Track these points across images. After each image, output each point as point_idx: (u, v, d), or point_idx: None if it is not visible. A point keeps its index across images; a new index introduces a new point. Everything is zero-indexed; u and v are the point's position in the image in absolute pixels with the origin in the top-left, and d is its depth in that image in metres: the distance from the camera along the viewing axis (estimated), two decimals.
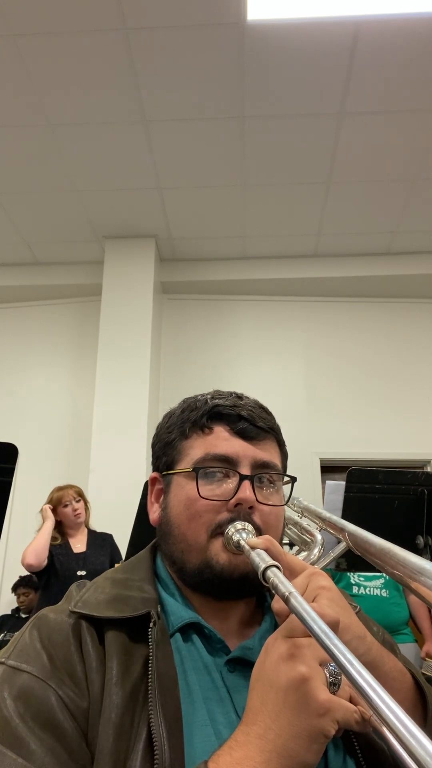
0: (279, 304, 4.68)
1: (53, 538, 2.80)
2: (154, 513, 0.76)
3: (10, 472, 1.26)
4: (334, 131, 3.33)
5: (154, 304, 4.25)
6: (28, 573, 2.93)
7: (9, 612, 3.73)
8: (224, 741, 0.50)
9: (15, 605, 3.69)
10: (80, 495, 2.96)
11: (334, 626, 0.48)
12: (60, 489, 2.95)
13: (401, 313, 4.66)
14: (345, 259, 4.49)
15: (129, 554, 1.69)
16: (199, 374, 4.37)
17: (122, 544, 2.55)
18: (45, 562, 2.67)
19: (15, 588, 3.69)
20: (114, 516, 2.98)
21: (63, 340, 4.62)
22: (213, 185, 3.78)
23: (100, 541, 2.91)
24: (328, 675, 0.49)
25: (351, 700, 0.49)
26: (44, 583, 2.74)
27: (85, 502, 2.97)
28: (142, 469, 3.61)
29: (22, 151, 3.46)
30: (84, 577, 2.56)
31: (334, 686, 0.49)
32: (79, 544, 2.86)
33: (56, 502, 2.88)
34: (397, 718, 0.38)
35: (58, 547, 2.80)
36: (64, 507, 2.87)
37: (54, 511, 2.87)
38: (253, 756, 0.47)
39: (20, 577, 3.67)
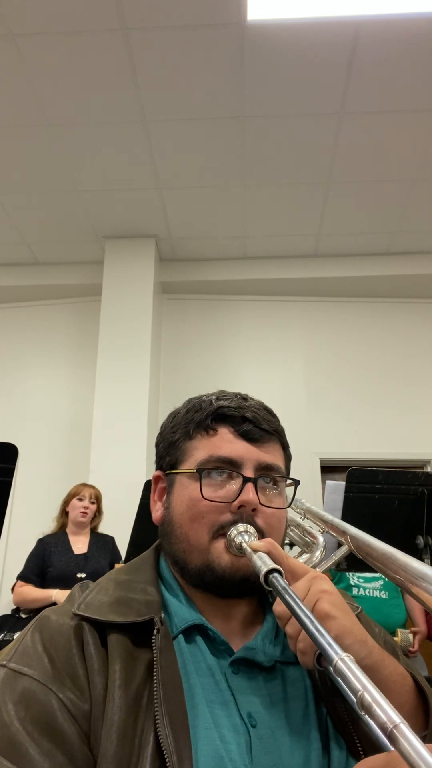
0: (279, 304, 4.68)
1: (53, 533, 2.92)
2: (156, 512, 0.76)
3: (10, 472, 1.26)
4: (334, 131, 3.33)
5: (154, 304, 4.25)
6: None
7: (9, 612, 3.72)
8: (229, 745, 0.50)
9: (15, 605, 3.68)
10: (97, 498, 3.01)
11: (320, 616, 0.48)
12: (82, 485, 3.05)
13: (401, 313, 4.66)
14: (345, 259, 4.49)
15: (129, 554, 1.69)
16: (199, 374, 4.37)
17: (122, 544, 2.55)
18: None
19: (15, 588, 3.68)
20: (114, 515, 2.99)
21: (63, 340, 4.61)
22: (213, 185, 3.78)
23: (102, 543, 2.92)
24: None
25: None
26: (40, 586, 2.78)
27: (99, 508, 3.03)
28: (142, 469, 3.61)
29: (22, 151, 3.46)
30: (83, 579, 2.60)
31: None
32: (80, 544, 2.87)
33: (73, 494, 2.98)
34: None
35: (56, 546, 2.82)
36: (78, 500, 2.94)
37: (67, 503, 2.99)
38: None
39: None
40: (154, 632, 0.61)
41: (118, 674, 0.57)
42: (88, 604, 0.64)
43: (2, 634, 3.41)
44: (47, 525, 3.02)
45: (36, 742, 0.52)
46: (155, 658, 0.59)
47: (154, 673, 0.58)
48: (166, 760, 0.52)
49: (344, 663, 0.43)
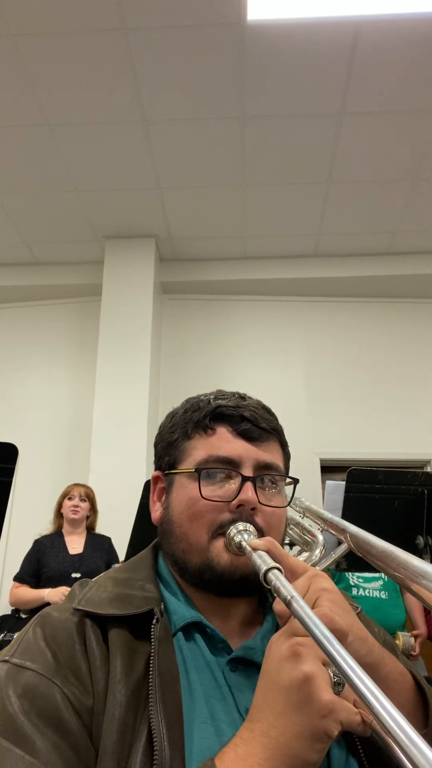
0: (279, 304, 4.68)
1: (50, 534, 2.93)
2: (155, 512, 0.76)
3: (10, 472, 1.26)
4: (334, 131, 3.33)
5: (154, 304, 4.25)
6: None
7: (9, 612, 3.72)
8: (226, 739, 0.50)
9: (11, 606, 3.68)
10: (88, 497, 3.02)
11: (342, 636, 0.48)
12: (73, 485, 3.06)
13: (401, 313, 4.66)
14: (345, 259, 4.49)
15: (129, 554, 1.69)
16: (199, 374, 4.37)
17: (122, 544, 2.56)
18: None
19: None
20: (114, 516, 2.98)
21: (63, 340, 4.61)
22: (213, 185, 3.78)
23: (98, 544, 2.91)
24: (331, 675, 0.49)
25: (354, 703, 0.49)
26: (35, 586, 2.79)
27: (93, 506, 3.02)
28: (142, 469, 3.61)
29: (22, 151, 3.46)
30: (78, 579, 2.60)
31: (338, 686, 0.49)
32: (75, 544, 2.87)
33: (64, 494, 3.01)
34: (398, 726, 0.37)
35: (51, 546, 2.82)
36: (68, 500, 2.96)
37: (60, 505, 3.02)
38: (256, 753, 0.48)
39: None
40: (153, 622, 0.61)
41: (118, 669, 0.57)
42: (88, 599, 0.65)
43: (2, 634, 3.40)
44: (47, 526, 3.02)
45: (42, 733, 0.52)
46: (153, 648, 0.59)
47: (151, 663, 0.58)
48: (155, 748, 0.52)
49: (274, 575, 0.55)
